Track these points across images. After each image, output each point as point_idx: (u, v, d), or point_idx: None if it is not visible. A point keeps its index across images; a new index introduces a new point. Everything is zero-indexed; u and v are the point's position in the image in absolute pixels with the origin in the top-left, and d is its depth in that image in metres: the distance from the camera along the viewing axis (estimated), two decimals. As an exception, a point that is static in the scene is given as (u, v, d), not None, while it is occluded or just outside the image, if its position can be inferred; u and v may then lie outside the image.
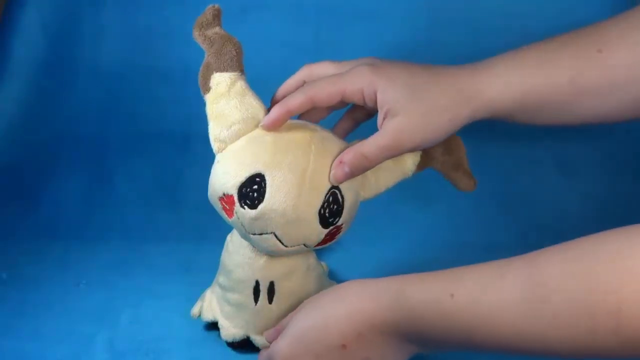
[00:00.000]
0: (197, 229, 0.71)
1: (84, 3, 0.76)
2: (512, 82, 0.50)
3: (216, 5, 0.51)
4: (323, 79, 0.51)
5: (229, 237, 0.55)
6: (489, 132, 0.69)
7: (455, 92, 0.50)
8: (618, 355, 0.38)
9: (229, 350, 0.56)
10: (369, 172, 0.53)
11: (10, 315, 0.61)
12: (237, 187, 0.49)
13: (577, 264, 0.39)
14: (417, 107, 0.49)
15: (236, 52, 0.50)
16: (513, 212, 0.72)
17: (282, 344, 0.48)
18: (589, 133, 0.69)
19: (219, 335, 0.57)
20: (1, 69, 0.78)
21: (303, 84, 0.53)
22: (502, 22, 0.67)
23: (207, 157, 0.53)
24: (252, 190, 0.49)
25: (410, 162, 0.54)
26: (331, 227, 0.51)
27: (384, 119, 0.49)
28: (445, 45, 0.68)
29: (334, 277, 0.63)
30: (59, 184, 0.78)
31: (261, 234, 0.50)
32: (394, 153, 0.50)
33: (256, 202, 0.49)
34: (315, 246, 0.52)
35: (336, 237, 0.52)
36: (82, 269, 0.69)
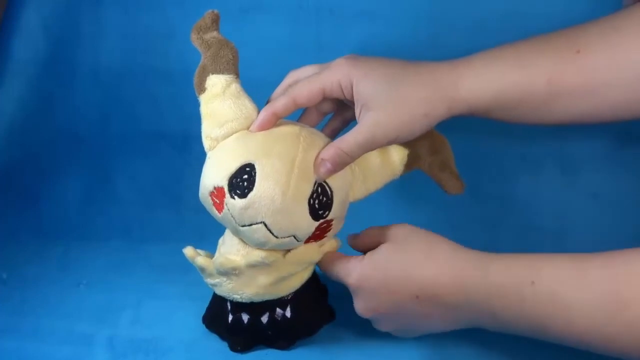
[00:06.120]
0: (197, 229, 0.71)
1: (84, 3, 0.76)
2: (489, 79, 0.50)
3: (215, 11, 0.52)
4: (304, 79, 0.52)
5: (220, 240, 0.56)
6: (488, 131, 0.69)
7: (432, 87, 0.50)
8: None
9: (229, 350, 0.56)
10: (357, 172, 0.54)
11: (10, 315, 0.62)
12: (228, 178, 0.50)
13: None
14: (392, 101, 0.50)
15: (232, 56, 0.52)
16: (513, 212, 0.72)
17: (365, 263, 0.51)
18: (590, 132, 0.69)
19: (219, 336, 0.57)
20: (1, 69, 0.78)
21: None
22: (503, 23, 0.67)
23: (207, 157, 0.53)
24: (242, 180, 0.49)
25: (398, 162, 0.55)
26: (321, 221, 0.51)
27: (360, 112, 0.50)
28: (446, 46, 0.67)
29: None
30: (59, 184, 0.78)
31: (251, 225, 0.50)
32: (371, 147, 0.51)
33: (246, 190, 0.49)
34: (306, 240, 0.52)
35: (327, 233, 0.52)
36: (82, 269, 0.69)
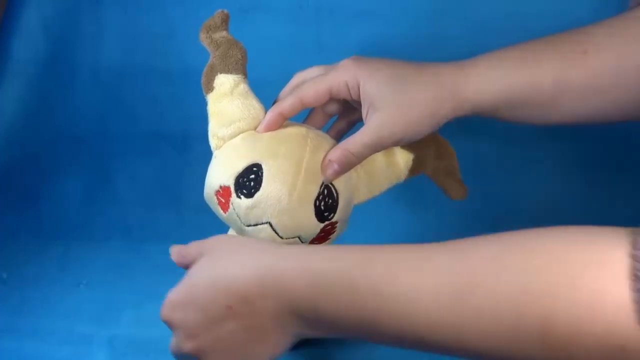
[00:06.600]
0: (197, 229, 0.70)
1: (84, 3, 0.76)
2: (495, 80, 0.51)
3: (225, 10, 0.53)
4: (311, 80, 0.53)
5: None
6: (489, 131, 0.69)
7: (437, 88, 0.50)
8: None
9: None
10: (362, 175, 0.54)
11: (10, 315, 0.62)
12: (235, 177, 0.50)
13: (510, 259, 0.37)
14: (398, 101, 0.50)
15: (241, 56, 0.52)
16: (513, 212, 0.72)
17: (175, 291, 0.44)
18: (590, 132, 0.69)
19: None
20: (1, 69, 0.78)
21: None
22: (504, 23, 0.67)
23: (207, 157, 0.53)
24: (249, 179, 0.49)
25: (403, 166, 0.55)
26: (326, 223, 0.51)
27: (367, 113, 0.50)
28: (446, 46, 0.67)
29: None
30: (59, 184, 0.78)
31: (256, 225, 0.50)
32: (378, 147, 0.51)
33: (253, 190, 0.49)
34: (310, 242, 0.52)
35: (330, 235, 0.52)
36: (83, 269, 0.69)
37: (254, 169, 0.50)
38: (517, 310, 0.35)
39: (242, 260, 0.43)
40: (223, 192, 0.51)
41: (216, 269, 0.44)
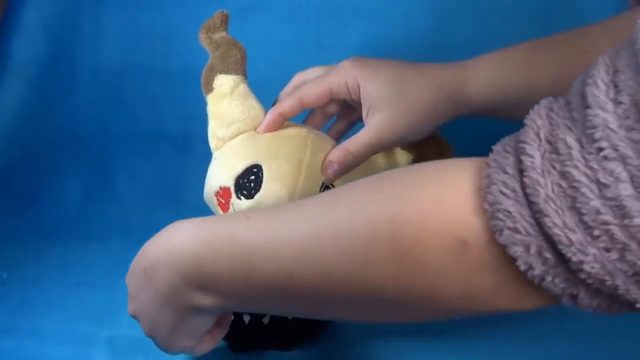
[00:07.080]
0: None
1: (84, 3, 0.76)
2: (495, 80, 0.51)
3: (225, 11, 0.53)
4: (311, 80, 0.53)
5: None
6: (488, 132, 0.69)
7: (437, 88, 0.50)
8: (393, 284, 0.34)
9: (230, 350, 0.56)
10: (362, 176, 0.53)
11: (11, 315, 0.61)
12: (235, 178, 0.50)
13: (371, 183, 0.37)
14: (399, 102, 0.50)
15: (241, 57, 0.52)
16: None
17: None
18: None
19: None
20: (1, 69, 0.78)
21: None
22: (504, 22, 0.67)
23: (207, 157, 0.53)
24: (249, 180, 0.49)
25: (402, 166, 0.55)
26: None
27: (367, 114, 0.51)
28: (446, 46, 0.68)
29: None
30: (59, 184, 0.78)
31: None
32: (378, 148, 0.51)
33: (253, 191, 0.49)
34: None
35: None
36: (83, 269, 0.69)
37: (254, 169, 0.50)
38: (368, 217, 0.34)
39: (165, 230, 0.44)
40: (223, 193, 0.51)
41: (153, 237, 0.45)
